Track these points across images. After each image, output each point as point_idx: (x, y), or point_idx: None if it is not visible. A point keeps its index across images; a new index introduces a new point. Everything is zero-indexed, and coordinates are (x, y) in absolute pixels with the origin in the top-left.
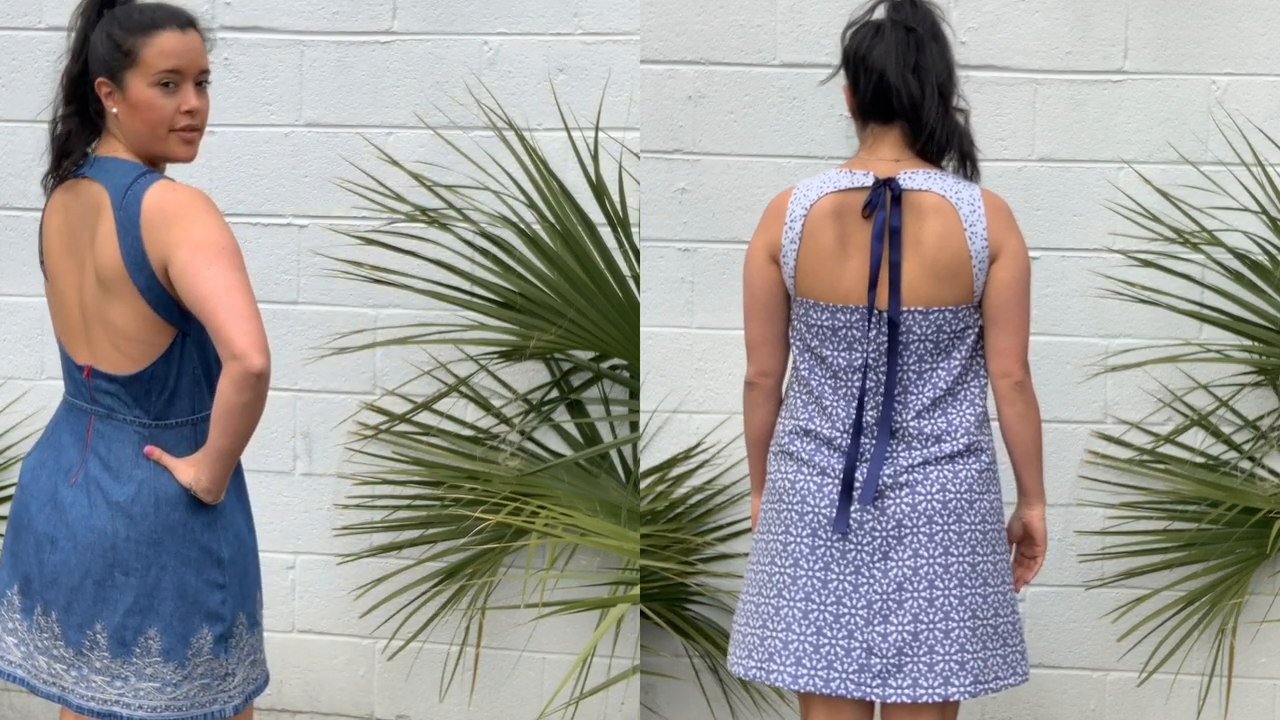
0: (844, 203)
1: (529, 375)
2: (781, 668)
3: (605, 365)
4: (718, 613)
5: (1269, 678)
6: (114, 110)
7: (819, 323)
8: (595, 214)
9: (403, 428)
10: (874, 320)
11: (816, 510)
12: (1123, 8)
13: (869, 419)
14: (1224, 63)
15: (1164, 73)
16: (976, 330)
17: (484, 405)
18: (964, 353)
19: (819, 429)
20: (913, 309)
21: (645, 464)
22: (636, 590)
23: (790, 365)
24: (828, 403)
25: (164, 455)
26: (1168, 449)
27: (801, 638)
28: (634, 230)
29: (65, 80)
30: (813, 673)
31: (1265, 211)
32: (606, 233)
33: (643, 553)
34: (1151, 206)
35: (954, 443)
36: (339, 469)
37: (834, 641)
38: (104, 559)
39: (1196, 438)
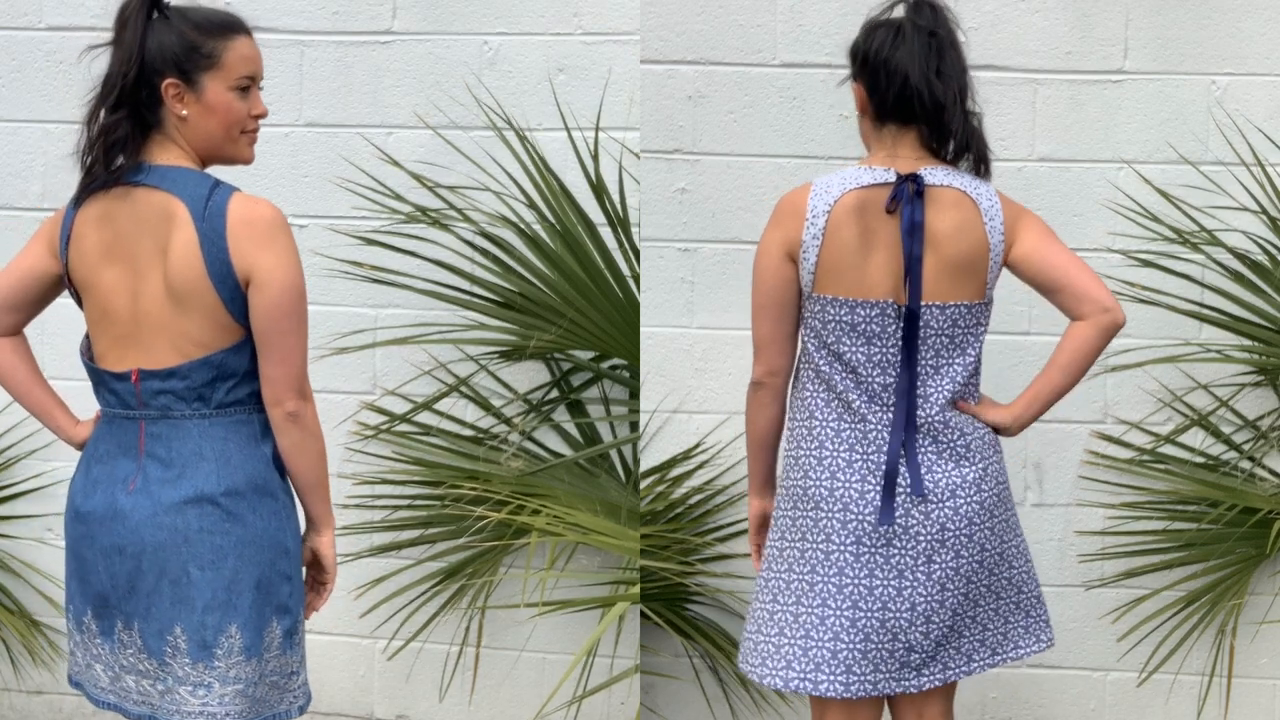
0: (866, 199)
1: (529, 375)
2: (831, 677)
3: (605, 365)
4: (718, 613)
5: (1269, 678)
6: (183, 112)
7: (838, 318)
8: (595, 214)
9: (403, 428)
10: (897, 314)
11: (861, 517)
12: (1123, 8)
13: (896, 413)
14: (1224, 63)
15: (1164, 73)
16: (986, 327)
17: (484, 405)
18: (976, 350)
19: (851, 428)
20: (931, 304)
21: (645, 464)
22: (636, 589)
23: (801, 364)
24: (852, 399)
25: (310, 534)
26: (1168, 449)
27: (850, 646)
28: (634, 230)
29: (118, 83)
30: (862, 679)
31: (1265, 211)
32: (606, 233)
33: (643, 553)
34: (1151, 206)
35: (977, 441)
36: (339, 469)
37: (880, 645)
38: (178, 556)
39: (1196, 438)
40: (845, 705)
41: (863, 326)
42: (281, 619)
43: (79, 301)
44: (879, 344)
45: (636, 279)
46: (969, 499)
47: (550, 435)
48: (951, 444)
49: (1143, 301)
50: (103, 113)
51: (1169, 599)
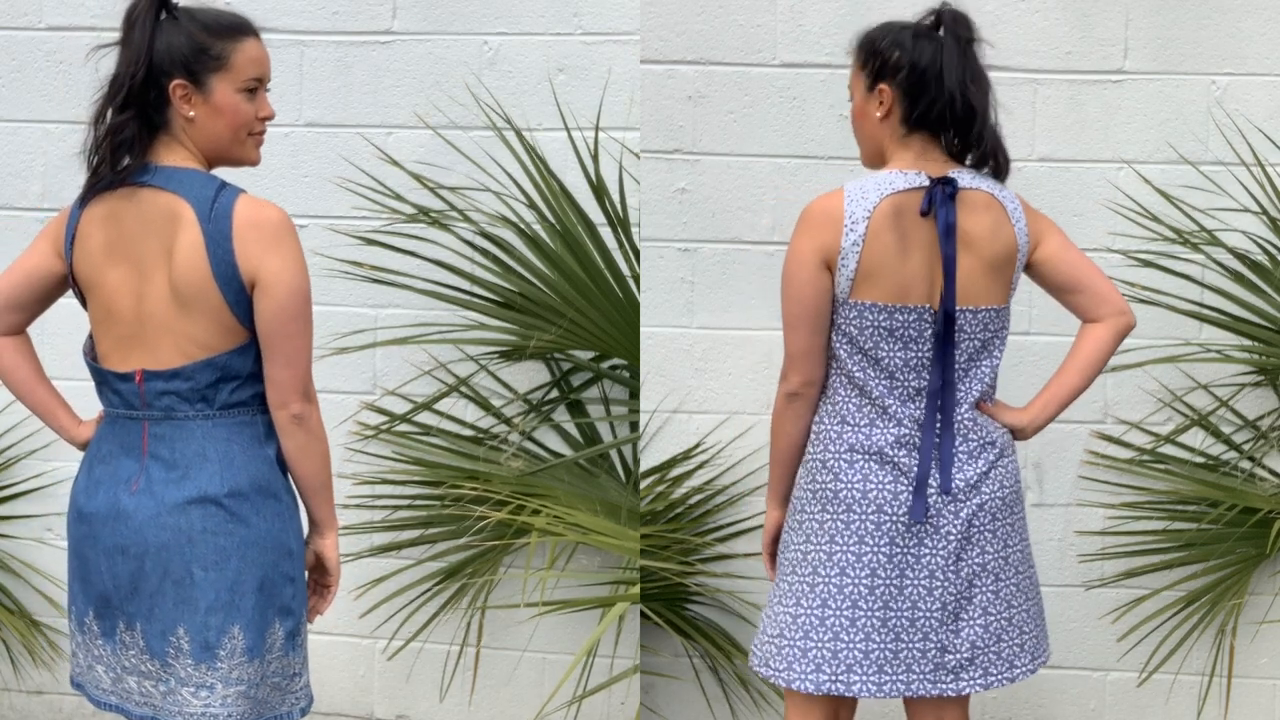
0: (902, 203)
1: (529, 375)
2: (864, 678)
3: (605, 365)
4: (718, 613)
5: (1269, 678)
6: (190, 113)
7: (876, 324)
8: (595, 214)
9: (403, 428)
10: (933, 318)
11: (895, 518)
12: (1123, 8)
13: (928, 414)
14: (1224, 63)
15: (1164, 73)
16: (1008, 330)
17: (484, 405)
18: (1001, 353)
19: (884, 431)
20: (965, 308)
21: (645, 464)
22: (636, 590)
23: (831, 370)
24: (888, 403)
25: (314, 537)
26: (1168, 449)
27: (882, 646)
28: (634, 230)
29: (125, 83)
30: (894, 679)
31: (1265, 211)
32: (606, 233)
33: (643, 553)
34: (1151, 206)
35: (1000, 439)
36: (339, 469)
37: (911, 645)
38: (181, 556)
39: (1196, 438)
40: (831, 701)
41: (900, 331)
42: (284, 620)
43: (83, 301)
44: (915, 347)
45: (636, 279)
46: (993, 494)
47: (550, 435)
48: (980, 441)
49: (1143, 301)
50: (110, 113)
51: (1169, 599)
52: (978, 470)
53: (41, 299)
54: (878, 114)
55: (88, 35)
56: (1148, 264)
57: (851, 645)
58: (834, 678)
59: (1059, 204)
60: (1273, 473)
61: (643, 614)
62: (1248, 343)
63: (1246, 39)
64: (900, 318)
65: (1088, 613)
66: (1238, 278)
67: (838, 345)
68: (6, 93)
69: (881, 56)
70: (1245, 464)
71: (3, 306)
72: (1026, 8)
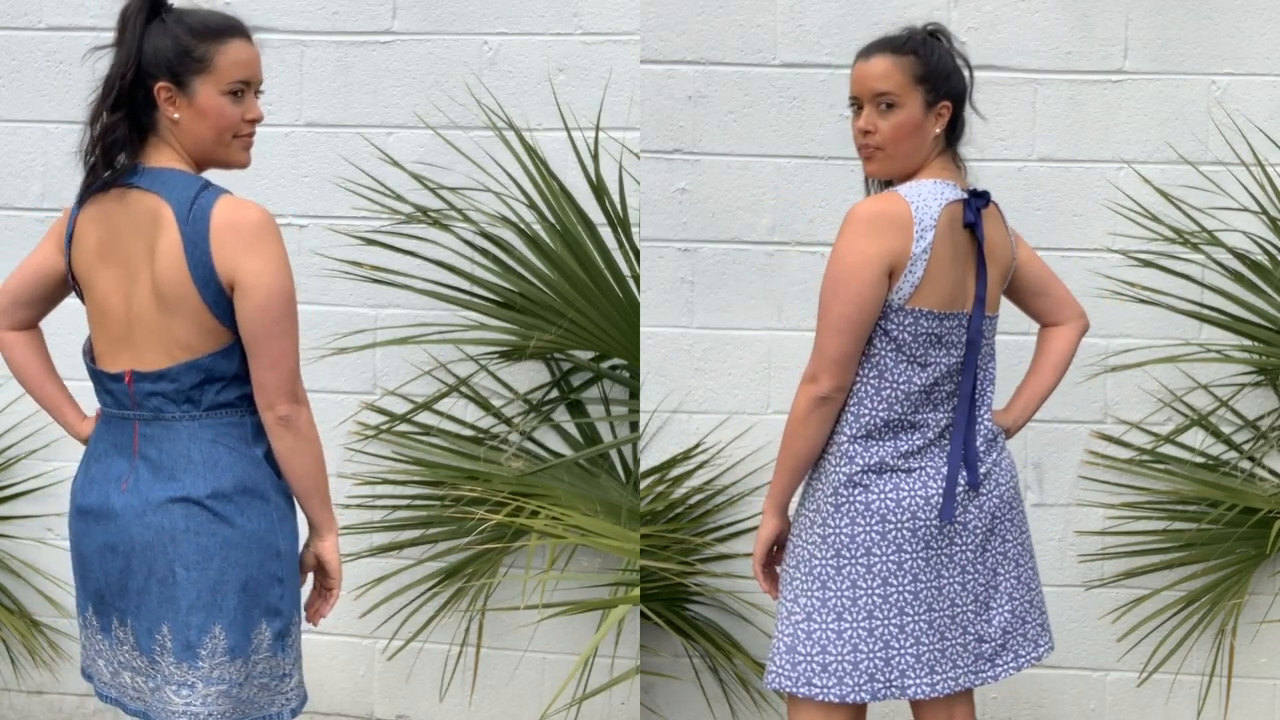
0: (954, 213)
1: (529, 375)
2: (917, 681)
3: (605, 365)
4: (718, 613)
5: (1269, 678)
6: (174, 115)
7: (928, 331)
8: (595, 214)
9: (403, 428)
10: (967, 325)
11: (928, 522)
12: (1123, 8)
13: (958, 416)
14: (1224, 63)
15: (1164, 73)
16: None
17: (484, 405)
18: (993, 354)
19: (908, 440)
20: (988, 315)
21: (645, 464)
22: (637, 591)
23: (865, 379)
24: (917, 414)
25: (313, 539)
26: (1168, 449)
27: (930, 647)
28: (634, 230)
29: (116, 84)
30: (944, 676)
31: (1265, 211)
32: (606, 233)
33: (643, 553)
34: (1151, 206)
35: (999, 431)
36: (339, 469)
37: (954, 641)
38: (165, 555)
39: (1196, 438)
40: (853, 707)
41: (947, 338)
42: (271, 621)
43: (84, 300)
44: (955, 353)
45: (636, 279)
46: (1008, 484)
47: (550, 435)
48: (990, 435)
49: (1143, 301)
50: (103, 114)
51: (1169, 599)
52: (992, 462)
53: (47, 297)
54: (937, 129)
55: (87, 35)
56: (1148, 264)
57: (903, 651)
58: (888, 683)
59: (1059, 204)
60: (1273, 473)
61: (643, 614)
62: (1248, 343)
63: (1246, 39)
64: (949, 324)
65: (1088, 613)
66: (1238, 278)
67: (882, 352)
68: (6, 93)
69: (943, 74)
70: (1245, 464)
71: (11, 303)
72: (1026, 8)
